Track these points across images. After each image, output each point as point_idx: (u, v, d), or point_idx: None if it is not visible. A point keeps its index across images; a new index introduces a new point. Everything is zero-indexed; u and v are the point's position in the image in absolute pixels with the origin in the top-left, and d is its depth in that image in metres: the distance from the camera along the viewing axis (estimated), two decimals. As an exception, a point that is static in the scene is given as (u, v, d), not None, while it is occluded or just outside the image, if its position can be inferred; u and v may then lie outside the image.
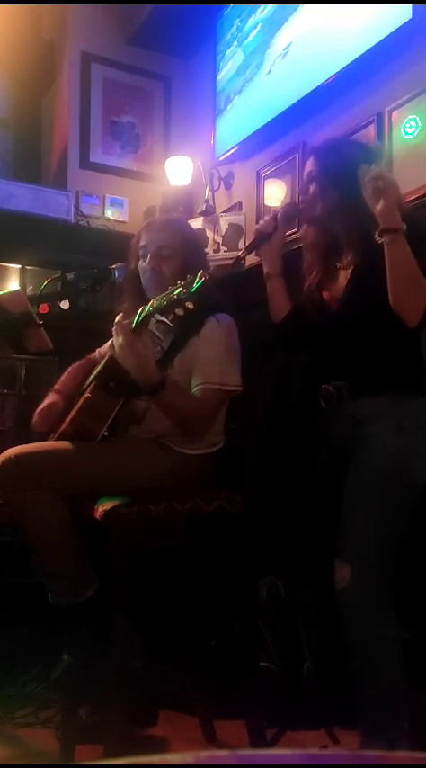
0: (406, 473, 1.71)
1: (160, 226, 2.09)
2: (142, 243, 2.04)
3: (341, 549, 1.73)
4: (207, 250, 3.10)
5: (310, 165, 1.89)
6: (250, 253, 2.06)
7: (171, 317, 1.75)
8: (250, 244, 2.06)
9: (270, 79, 3.09)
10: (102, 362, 2.01)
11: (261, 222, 2.04)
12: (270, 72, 3.10)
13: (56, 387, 2.13)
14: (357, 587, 1.68)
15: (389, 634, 1.68)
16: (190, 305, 1.69)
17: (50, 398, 2.08)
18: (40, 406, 2.07)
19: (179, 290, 1.70)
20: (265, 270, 2.03)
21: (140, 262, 2.04)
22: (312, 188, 1.86)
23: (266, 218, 2.03)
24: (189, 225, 2.27)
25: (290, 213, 1.97)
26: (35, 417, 2.05)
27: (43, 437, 2.00)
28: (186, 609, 2.23)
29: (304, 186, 1.90)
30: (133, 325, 1.78)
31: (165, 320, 1.82)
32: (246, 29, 3.29)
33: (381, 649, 1.67)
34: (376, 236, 1.64)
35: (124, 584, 1.73)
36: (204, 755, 0.51)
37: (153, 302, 1.77)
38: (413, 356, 1.76)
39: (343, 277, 1.84)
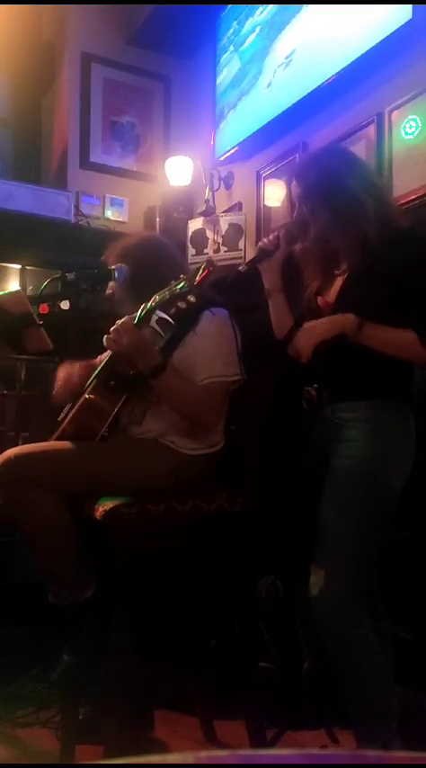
0: (382, 478, 1.70)
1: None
2: None
3: (317, 553, 1.72)
4: (206, 250, 3.11)
5: (295, 188, 1.88)
6: (250, 268, 2.07)
7: (173, 310, 1.77)
8: (251, 260, 2.07)
9: (271, 91, 3.08)
10: (103, 362, 2.02)
11: (264, 240, 2.04)
12: (270, 85, 3.09)
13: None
14: (332, 593, 1.67)
15: (368, 637, 1.67)
16: (192, 298, 1.71)
17: (64, 368, 2.12)
18: (59, 377, 2.11)
19: (182, 283, 1.72)
20: (266, 286, 2.04)
21: None
22: (303, 210, 1.86)
23: (270, 236, 2.03)
24: (142, 238, 2.31)
25: (294, 234, 1.97)
26: (56, 388, 2.10)
27: (43, 437, 2.01)
28: (186, 609, 2.23)
29: (297, 211, 1.90)
30: (135, 320, 1.81)
31: (166, 317, 1.84)
32: (244, 32, 3.28)
33: (361, 652, 1.67)
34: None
35: (124, 584, 1.73)
36: (204, 755, 0.51)
37: (155, 297, 1.79)
38: (398, 364, 1.75)
39: (339, 283, 1.84)
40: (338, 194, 1.75)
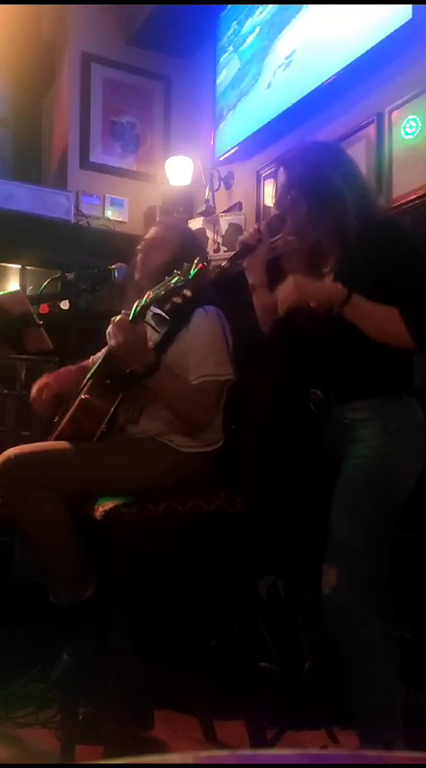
0: (394, 476, 1.70)
1: (165, 223, 2.21)
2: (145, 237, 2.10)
3: (329, 553, 1.72)
4: (207, 250, 3.11)
5: (281, 177, 1.88)
6: (233, 263, 2.05)
7: (168, 306, 1.77)
8: (234, 255, 2.04)
9: (271, 92, 3.08)
10: (98, 361, 2.02)
11: (245, 234, 2.03)
12: (270, 86, 3.08)
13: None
14: (343, 592, 1.67)
15: (376, 637, 1.67)
16: (187, 292, 1.71)
17: (44, 379, 2.11)
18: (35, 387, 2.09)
19: (176, 278, 1.72)
20: (250, 281, 2.03)
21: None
22: (286, 200, 1.85)
23: (250, 229, 2.02)
24: (188, 226, 2.31)
25: (275, 225, 1.96)
26: (33, 395, 2.08)
27: (43, 437, 2.01)
28: (186, 609, 2.23)
29: (279, 199, 1.89)
30: (130, 316, 1.81)
31: (162, 313, 1.84)
32: (243, 32, 3.28)
33: (369, 653, 1.66)
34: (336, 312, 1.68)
35: (124, 584, 1.73)
36: (204, 755, 0.51)
37: (149, 293, 1.79)
38: (401, 358, 1.75)
39: (328, 281, 1.83)
40: (319, 188, 1.75)
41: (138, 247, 2.11)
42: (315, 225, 1.78)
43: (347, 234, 1.71)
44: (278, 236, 1.96)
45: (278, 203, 1.89)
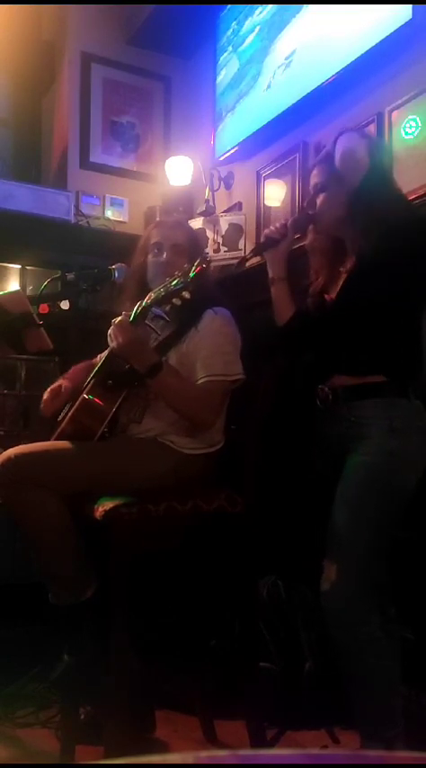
0: (398, 475, 1.72)
1: (174, 224, 2.17)
2: (155, 239, 2.06)
3: (330, 549, 1.73)
4: (207, 250, 3.11)
5: (316, 177, 1.91)
6: (256, 256, 2.09)
7: (168, 307, 1.77)
8: (257, 247, 2.09)
9: (271, 92, 3.07)
10: (100, 361, 2.02)
11: (271, 228, 2.06)
12: (269, 86, 3.08)
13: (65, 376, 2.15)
14: (342, 588, 1.68)
15: (376, 634, 1.68)
16: (186, 294, 1.72)
17: (58, 382, 2.10)
18: (49, 388, 2.07)
19: (176, 280, 1.72)
20: (270, 274, 2.06)
21: (149, 257, 2.05)
22: (320, 199, 1.88)
23: (277, 224, 2.05)
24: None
25: (301, 223, 1.99)
26: (44, 397, 2.06)
27: (43, 437, 2.01)
28: (186, 609, 2.23)
29: (312, 198, 1.92)
30: (131, 318, 1.81)
31: (163, 315, 1.84)
32: (243, 32, 3.28)
33: (369, 650, 1.67)
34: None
35: (124, 584, 1.73)
36: (204, 755, 0.51)
37: (150, 295, 1.80)
38: (409, 358, 1.76)
39: (343, 279, 1.85)
40: (358, 183, 1.77)
41: (157, 244, 2.04)
42: (346, 224, 1.81)
43: (372, 235, 1.73)
44: (301, 235, 1.99)
45: (311, 202, 1.92)
